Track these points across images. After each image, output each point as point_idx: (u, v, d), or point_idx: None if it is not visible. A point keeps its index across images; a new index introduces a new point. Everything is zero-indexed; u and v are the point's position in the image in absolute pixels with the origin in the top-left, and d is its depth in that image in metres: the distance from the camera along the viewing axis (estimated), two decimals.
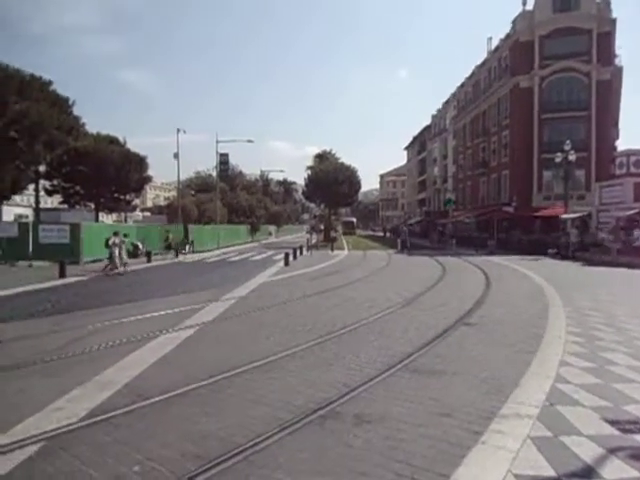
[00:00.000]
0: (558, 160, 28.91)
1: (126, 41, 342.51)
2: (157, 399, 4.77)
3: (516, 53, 39.52)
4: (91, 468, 3.44)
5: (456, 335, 7.64)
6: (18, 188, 36.59)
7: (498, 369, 5.79)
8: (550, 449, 3.71)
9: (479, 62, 49.22)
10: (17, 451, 3.70)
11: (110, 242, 18.27)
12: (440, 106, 67.61)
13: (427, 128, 73.52)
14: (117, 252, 18.23)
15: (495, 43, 45.20)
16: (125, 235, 19.87)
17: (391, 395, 4.90)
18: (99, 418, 4.31)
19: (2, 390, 5.16)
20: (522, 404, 4.60)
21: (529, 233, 33.11)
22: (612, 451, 3.69)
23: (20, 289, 13.34)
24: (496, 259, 24.64)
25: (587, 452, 3.67)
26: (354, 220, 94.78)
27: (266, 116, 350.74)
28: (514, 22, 40.21)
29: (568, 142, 28.81)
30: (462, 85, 55.97)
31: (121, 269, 18.29)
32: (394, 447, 3.77)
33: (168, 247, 28.53)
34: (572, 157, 28.30)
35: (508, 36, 41.46)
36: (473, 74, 51.51)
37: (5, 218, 25.03)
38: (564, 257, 25.19)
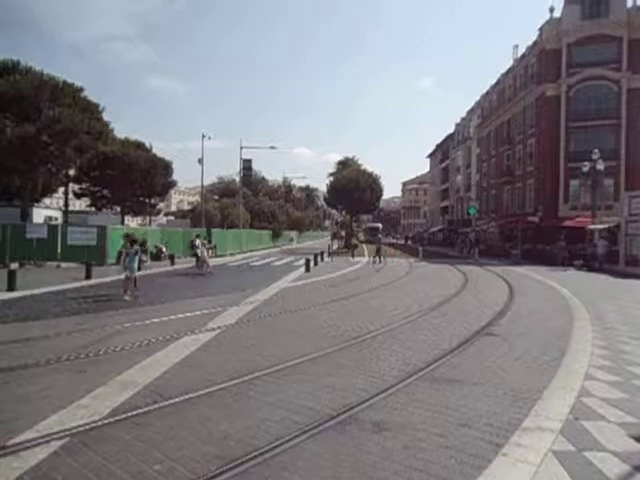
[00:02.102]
0: (586, 169, 28.29)
1: (155, 49, 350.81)
2: (178, 400, 4.85)
3: (543, 61, 38.95)
4: (114, 465, 3.52)
5: (477, 345, 7.54)
6: (49, 191, 37.84)
7: (520, 381, 5.69)
8: (573, 464, 3.63)
9: (505, 70, 48.73)
10: (43, 446, 3.81)
11: (196, 243, 20.37)
12: (464, 114, 67.08)
13: (450, 136, 72.96)
14: (204, 253, 20.25)
15: (521, 51, 44.69)
16: (204, 237, 21.81)
17: (411, 403, 4.86)
18: (122, 417, 4.40)
19: (29, 386, 5.31)
20: (545, 417, 4.51)
21: (554, 244, 32.44)
22: (638, 468, 3.59)
23: (49, 289, 13.73)
24: (520, 269, 24.20)
25: (611, 468, 3.58)
26: (380, 226, 78.55)
27: (289, 123, 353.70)
28: (541, 30, 39.69)
29: (596, 151, 28.18)
30: (487, 93, 55.42)
31: (207, 268, 19.77)
32: (413, 456, 3.74)
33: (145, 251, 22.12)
34: (600, 166, 27.66)
35: (535, 44, 40.92)
36: (498, 82, 50.96)
37: (35, 220, 25.76)
38: (591, 269, 24.58)
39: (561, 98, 37.39)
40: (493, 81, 52.77)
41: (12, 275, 13.11)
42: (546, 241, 33.07)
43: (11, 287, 12.91)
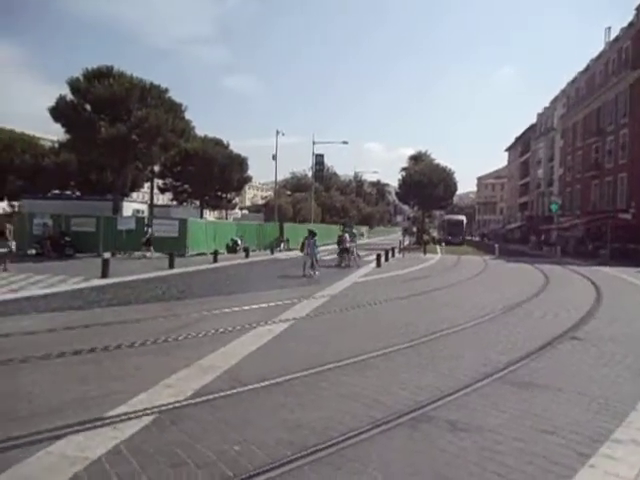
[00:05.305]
0: None
1: (232, 49, 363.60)
2: (255, 386, 5.05)
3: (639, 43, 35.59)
4: (198, 443, 3.74)
5: (561, 349, 7.11)
6: (136, 186, 40.74)
7: (610, 389, 5.29)
8: None
9: (595, 55, 45.09)
10: (135, 420, 4.14)
11: (345, 238, 21.79)
12: (547, 104, 63.03)
13: (532, 127, 68.88)
14: (353, 248, 22.04)
15: (615, 33, 41.10)
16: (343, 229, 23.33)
17: (487, 405, 4.70)
18: (204, 398, 4.67)
19: (122, 365, 5.79)
20: (639, 429, 4.17)
21: None
22: None
23: (138, 276, 14.81)
24: (608, 270, 22.41)
25: None
26: (464, 219, 60.54)
27: (360, 118, 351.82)
28: (638, 9, 36.22)
29: None
30: (574, 80, 51.62)
31: (352, 263, 21.31)
32: (490, 458, 3.62)
33: (147, 243, 22.24)
34: None
35: (630, 25, 37.43)
36: (587, 68, 47.26)
37: (125, 213, 27.81)
38: None
39: None
40: (581, 67, 49.10)
41: (106, 263, 14.27)
42: None
43: (105, 274, 14.05)
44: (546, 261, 28.34)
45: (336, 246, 22.18)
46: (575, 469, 3.48)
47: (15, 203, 36.26)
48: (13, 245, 15.81)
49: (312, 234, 17.70)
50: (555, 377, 5.68)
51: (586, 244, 36.44)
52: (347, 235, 22.32)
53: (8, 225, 16.05)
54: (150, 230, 22.74)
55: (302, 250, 18.19)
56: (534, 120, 68.27)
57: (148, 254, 21.97)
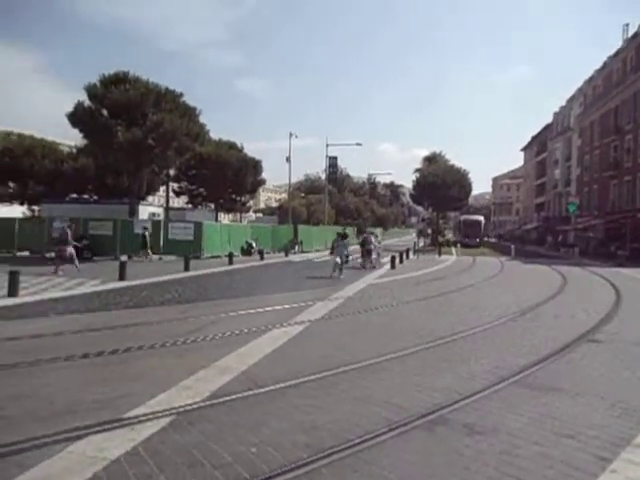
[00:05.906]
0: None
1: (244, 52, 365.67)
2: (271, 388, 5.07)
3: None
4: (215, 444, 3.77)
5: (579, 352, 7.00)
6: (152, 189, 41.14)
7: (632, 393, 5.20)
8: None
9: (612, 52, 44.36)
10: (153, 421, 4.17)
11: (371, 239, 22.27)
12: (564, 103, 62.18)
13: (548, 127, 68.02)
14: (378, 250, 23.06)
15: (633, 30, 40.36)
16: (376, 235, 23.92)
17: (504, 408, 4.65)
18: (221, 400, 4.69)
19: (140, 366, 5.85)
20: None
21: None
22: None
23: (155, 279, 14.97)
24: (628, 272, 21.99)
25: None
26: (482, 220, 56.61)
27: (373, 119, 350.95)
28: None
29: None
30: (591, 79, 50.85)
31: (368, 264, 21.21)
32: (509, 462, 3.58)
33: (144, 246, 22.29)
34: None
35: None
36: (605, 66, 46.51)
37: (141, 216, 28.11)
38: None
39: None
40: (598, 65, 48.35)
41: (123, 266, 14.45)
42: None
43: (122, 277, 14.23)
44: (563, 262, 27.94)
45: (359, 247, 22.34)
46: (596, 474, 3.42)
47: (35, 207, 36.92)
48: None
49: (343, 236, 17.93)
50: (573, 381, 5.59)
51: (607, 245, 35.81)
52: (372, 237, 22.66)
53: (68, 231, 16.69)
54: (147, 233, 22.51)
55: (332, 252, 18.62)
56: (550, 119, 67.46)
57: (143, 258, 21.97)
